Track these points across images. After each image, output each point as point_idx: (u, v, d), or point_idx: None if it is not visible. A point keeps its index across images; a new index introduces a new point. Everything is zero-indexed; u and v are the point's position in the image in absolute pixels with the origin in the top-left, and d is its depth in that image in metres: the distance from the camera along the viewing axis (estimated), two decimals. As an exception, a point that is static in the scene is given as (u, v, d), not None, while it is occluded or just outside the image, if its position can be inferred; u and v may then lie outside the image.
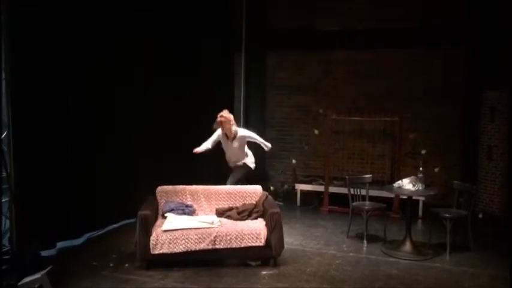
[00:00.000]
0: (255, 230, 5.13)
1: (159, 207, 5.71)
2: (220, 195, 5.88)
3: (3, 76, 4.77)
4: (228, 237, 5.06)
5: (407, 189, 5.78)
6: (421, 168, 5.95)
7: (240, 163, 6.51)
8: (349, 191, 6.31)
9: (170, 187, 5.84)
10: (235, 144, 6.34)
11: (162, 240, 4.98)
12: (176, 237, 5.00)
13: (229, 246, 5.05)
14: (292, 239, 6.19)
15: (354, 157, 8.50)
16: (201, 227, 5.16)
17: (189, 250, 5.00)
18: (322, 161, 8.43)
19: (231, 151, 6.43)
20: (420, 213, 7.47)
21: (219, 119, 6.22)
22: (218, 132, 6.38)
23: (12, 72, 4.82)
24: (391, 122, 7.89)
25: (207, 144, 6.36)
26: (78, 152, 5.77)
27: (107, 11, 6.09)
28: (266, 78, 9.16)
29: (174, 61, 7.36)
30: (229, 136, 6.31)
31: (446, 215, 5.72)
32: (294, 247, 5.89)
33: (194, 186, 5.91)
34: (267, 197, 5.79)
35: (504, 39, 7.34)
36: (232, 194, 5.89)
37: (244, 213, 5.61)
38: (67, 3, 5.52)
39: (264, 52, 9.10)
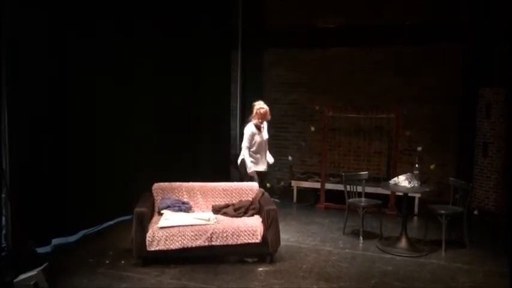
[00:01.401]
0: (252, 227, 5.13)
1: (156, 204, 5.70)
2: (216, 192, 5.88)
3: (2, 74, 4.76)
4: (225, 234, 5.06)
5: (403, 186, 5.80)
6: (416, 165, 5.96)
7: (267, 161, 6.56)
8: (345, 187, 6.33)
9: (166, 184, 5.83)
10: (265, 135, 6.46)
11: (158, 237, 4.98)
12: (172, 234, 5.00)
13: (225, 243, 5.06)
14: (289, 235, 6.20)
15: (350, 154, 8.51)
16: (197, 223, 5.17)
17: (186, 247, 5.01)
18: (318, 157, 8.44)
19: (263, 145, 6.41)
20: (416, 210, 7.49)
21: (262, 111, 6.27)
22: (249, 130, 6.32)
23: (11, 71, 4.80)
24: (387, 119, 7.90)
25: (246, 151, 6.30)
26: (75, 149, 5.76)
27: (107, 11, 6.08)
28: (263, 75, 9.14)
29: (172, 59, 7.34)
30: (261, 127, 6.39)
31: (442, 211, 5.74)
32: (290, 244, 5.90)
33: (190, 183, 5.91)
34: (263, 193, 5.79)
35: (501, 36, 7.35)
36: (228, 191, 5.90)
37: (240, 210, 5.61)
38: (67, 3, 5.50)
39: (260, 50, 9.09)
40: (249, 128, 6.34)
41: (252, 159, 6.33)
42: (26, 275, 4.20)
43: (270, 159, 6.65)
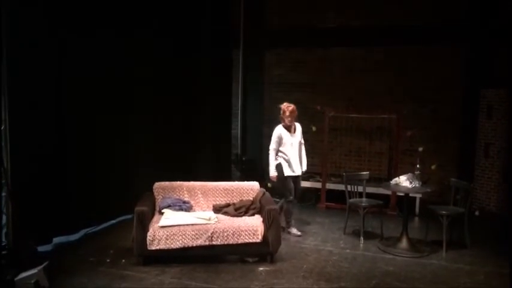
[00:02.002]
0: (252, 227, 5.13)
1: (156, 203, 5.70)
2: (217, 192, 5.88)
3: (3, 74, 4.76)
4: (225, 234, 5.06)
5: (404, 186, 5.79)
6: (418, 166, 5.96)
7: (300, 165, 6.24)
8: (346, 187, 6.32)
9: (167, 183, 5.83)
10: (298, 136, 6.21)
11: (159, 236, 4.98)
12: (173, 233, 5.00)
13: (226, 243, 5.06)
14: (289, 235, 6.19)
15: (351, 154, 8.52)
16: (198, 223, 5.16)
17: (186, 246, 5.00)
18: (319, 157, 8.43)
19: (294, 147, 6.14)
20: (417, 210, 7.49)
21: (290, 108, 6.01)
22: (275, 132, 6.15)
23: (11, 71, 4.80)
24: (388, 119, 7.90)
25: (273, 154, 6.12)
26: (76, 148, 5.76)
27: (107, 11, 6.07)
28: (264, 75, 9.17)
29: (173, 59, 7.34)
30: (291, 128, 6.14)
31: (443, 212, 5.73)
32: (291, 243, 5.90)
33: (191, 183, 5.91)
34: (264, 193, 5.79)
35: (502, 37, 7.35)
36: (229, 190, 5.89)
37: (241, 209, 5.61)
38: (67, 3, 5.50)
39: (261, 50, 9.12)
40: (276, 130, 6.16)
41: (286, 163, 6.14)
42: (26, 274, 4.20)
43: (303, 166, 6.30)
